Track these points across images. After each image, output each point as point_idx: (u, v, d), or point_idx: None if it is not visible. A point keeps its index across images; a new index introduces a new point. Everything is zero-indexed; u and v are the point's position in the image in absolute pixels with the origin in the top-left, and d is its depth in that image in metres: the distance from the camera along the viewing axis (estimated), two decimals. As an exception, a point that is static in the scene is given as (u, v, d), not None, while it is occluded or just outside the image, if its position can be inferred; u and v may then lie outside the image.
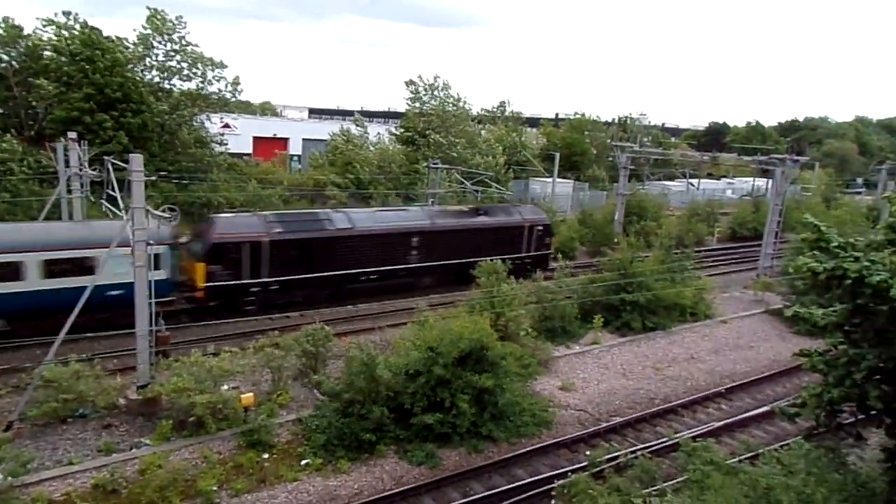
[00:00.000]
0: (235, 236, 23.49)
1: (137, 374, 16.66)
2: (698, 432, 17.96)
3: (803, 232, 10.44)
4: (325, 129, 58.82)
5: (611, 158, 60.86)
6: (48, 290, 19.75)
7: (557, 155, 52.00)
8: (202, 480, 14.03)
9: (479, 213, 31.33)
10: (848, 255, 9.33)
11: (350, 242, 25.76)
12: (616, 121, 78.34)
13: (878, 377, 9.72)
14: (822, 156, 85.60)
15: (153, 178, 23.84)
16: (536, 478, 15.54)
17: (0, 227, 22.20)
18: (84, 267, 19.90)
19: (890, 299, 8.42)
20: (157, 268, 19.34)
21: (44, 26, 34.71)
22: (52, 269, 19.89)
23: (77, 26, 35.19)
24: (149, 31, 36.70)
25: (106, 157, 24.19)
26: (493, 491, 14.95)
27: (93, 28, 35.12)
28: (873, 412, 10.15)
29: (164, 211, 16.66)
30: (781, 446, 14.86)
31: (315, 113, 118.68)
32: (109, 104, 33.57)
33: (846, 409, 10.62)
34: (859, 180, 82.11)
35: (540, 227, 32.07)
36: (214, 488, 13.98)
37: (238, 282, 23.40)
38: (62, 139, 25.50)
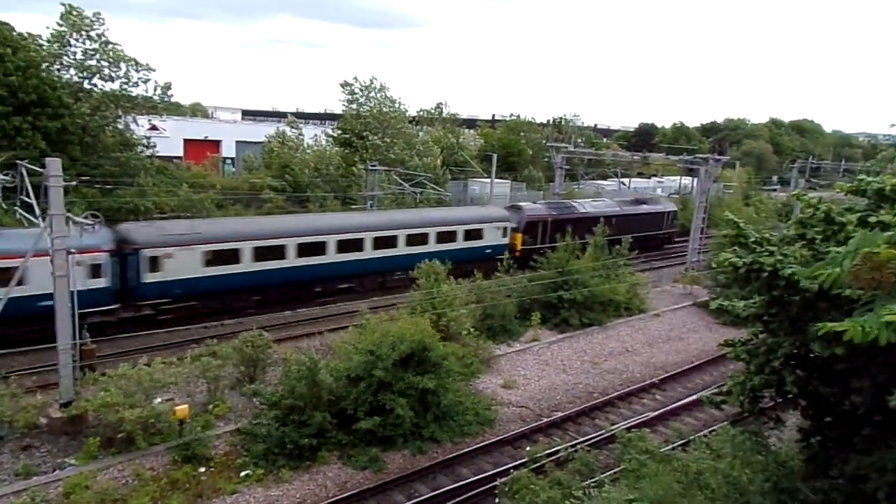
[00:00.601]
0: (536, 217, 36.14)
1: (60, 390, 15.73)
2: (634, 423, 18.67)
3: (725, 228, 10.98)
4: (259, 132, 57.35)
5: (546, 159, 62.26)
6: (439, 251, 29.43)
7: (495, 156, 52.62)
8: (134, 499, 13.43)
9: (640, 202, 44.08)
10: (764, 250, 9.88)
11: (584, 222, 35.54)
12: (551, 122, 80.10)
13: (793, 363, 10.34)
14: (742, 155, 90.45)
15: (73, 182, 22.76)
16: (480, 476, 15.72)
17: (417, 212, 34.79)
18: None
19: (801, 290, 8.96)
20: (504, 236, 34.21)
21: (-54, 21, 32.19)
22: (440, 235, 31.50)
23: (-16, 22, 32.79)
24: (64, 29, 34.66)
25: (18, 162, 22.77)
26: (439, 491, 15.04)
27: (2, 23, 32.82)
28: (790, 396, 10.78)
29: (86, 217, 15.86)
30: (710, 432, 15.66)
31: (249, 115, 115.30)
32: (23, 107, 31.47)
33: (766, 394, 11.22)
34: (774, 178, 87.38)
35: (672, 213, 45.32)
36: (148, 506, 13.41)
37: (534, 247, 33.80)
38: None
